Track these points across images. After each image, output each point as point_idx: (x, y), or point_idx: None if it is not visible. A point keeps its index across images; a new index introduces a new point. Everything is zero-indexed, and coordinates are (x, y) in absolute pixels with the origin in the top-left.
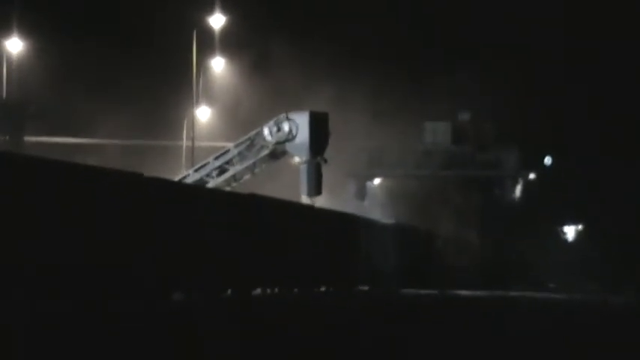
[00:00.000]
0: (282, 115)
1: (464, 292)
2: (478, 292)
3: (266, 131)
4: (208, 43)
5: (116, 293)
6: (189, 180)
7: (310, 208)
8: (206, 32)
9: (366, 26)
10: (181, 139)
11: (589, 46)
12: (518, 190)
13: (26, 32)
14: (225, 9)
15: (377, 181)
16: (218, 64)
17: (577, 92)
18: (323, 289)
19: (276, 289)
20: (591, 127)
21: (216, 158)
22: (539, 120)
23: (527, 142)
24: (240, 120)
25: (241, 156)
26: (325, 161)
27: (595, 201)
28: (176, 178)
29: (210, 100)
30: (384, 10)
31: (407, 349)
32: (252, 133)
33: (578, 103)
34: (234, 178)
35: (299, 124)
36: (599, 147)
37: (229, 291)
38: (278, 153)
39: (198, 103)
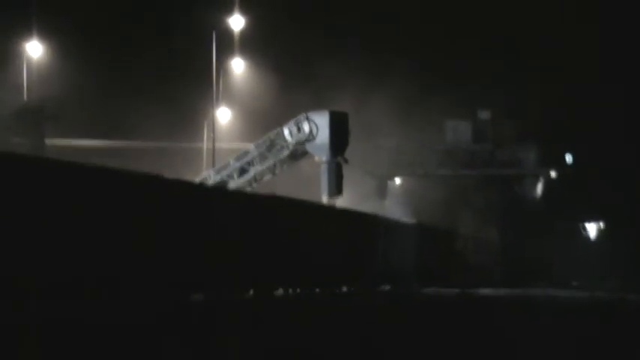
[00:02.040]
0: (302, 116)
1: (485, 291)
2: (499, 291)
3: (286, 132)
4: (228, 44)
5: (136, 294)
6: (210, 181)
7: (331, 209)
8: (226, 33)
9: (387, 25)
10: (202, 140)
11: (612, 43)
12: (539, 188)
13: (46, 35)
14: (245, 10)
15: (398, 180)
16: (238, 65)
17: (599, 90)
18: (344, 289)
19: (298, 290)
20: (613, 124)
21: (237, 159)
22: (559, 118)
23: (548, 140)
24: (261, 121)
25: (262, 156)
26: (346, 161)
27: (617, 198)
28: (197, 180)
29: (231, 102)
30: (406, 8)
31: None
32: (273, 133)
33: (599, 100)
34: (254, 178)
35: (319, 125)
36: (621, 144)
37: (251, 292)
38: (298, 153)
39: (218, 104)
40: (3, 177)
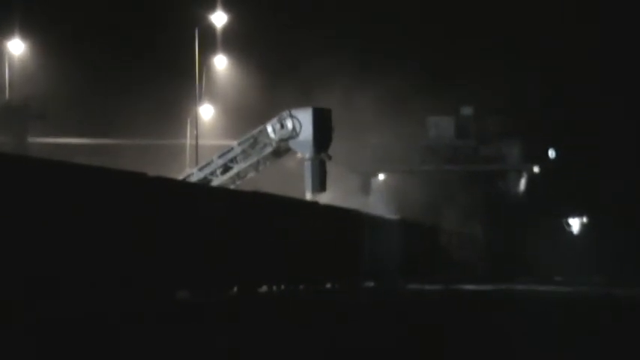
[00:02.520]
0: (285, 113)
1: (469, 287)
2: (483, 287)
3: (269, 129)
4: (210, 41)
5: (121, 292)
6: (193, 178)
7: (314, 205)
8: (208, 30)
9: (373, 23)
10: (185, 137)
11: (591, 36)
12: (522, 183)
13: (28, 33)
14: (227, 6)
15: (381, 176)
16: (221, 62)
17: (581, 84)
18: (328, 285)
19: (282, 287)
20: (596, 120)
21: (220, 156)
22: (542, 113)
23: (531, 136)
24: (244, 118)
25: (245, 154)
26: (329, 158)
27: (599, 193)
28: (180, 177)
29: (214, 99)
30: (389, 6)
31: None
32: (256, 130)
33: (581, 95)
34: (238, 175)
35: (302, 121)
36: (603, 139)
37: (235, 288)
38: (282, 150)
39: (201, 101)
40: None
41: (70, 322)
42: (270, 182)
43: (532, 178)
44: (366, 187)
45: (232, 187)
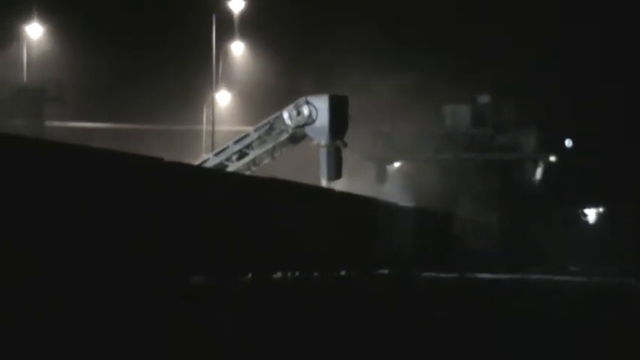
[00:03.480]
0: (302, 99)
1: (484, 276)
2: (498, 276)
3: (286, 115)
4: (228, 27)
5: (135, 277)
6: (209, 164)
7: (330, 192)
8: (226, 16)
9: (387, 10)
10: (201, 123)
11: (611, 26)
12: (538, 172)
13: (46, 17)
14: None
15: (397, 164)
16: (238, 49)
17: (598, 74)
18: (343, 272)
19: (297, 273)
20: (612, 109)
21: (236, 142)
22: (559, 102)
23: (548, 125)
24: (260, 104)
25: (261, 140)
26: (345, 145)
27: (616, 183)
28: (196, 163)
29: (230, 85)
30: None
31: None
32: (272, 117)
33: (599, 84)
34: (253, 162)
35: (319, 108)
36: (620, 128)
37: (249, 275)
38: (297, 137)
39: (218, 87)
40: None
41: (84, 306)
42: (286, 169)
43: (548, 168)
44: (381, 175)
45: (248, 173)
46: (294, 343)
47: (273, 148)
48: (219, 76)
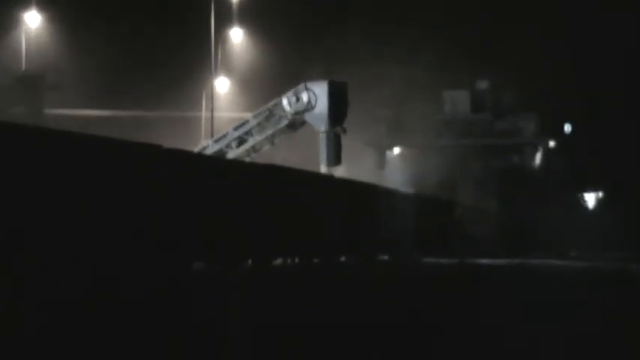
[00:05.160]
0: (301, 86)
1: (484, 261)
2: (498, 261)
3: (285, 102)
4: (227, 13)
5: (138, 265)
6: (208, 151)
7: (329, 178)
8: (224, 2)
9: None
10: (200, 110)
11: (610, 10)
12: (538, 157)
13: (44, 4)
14: None
15: (397, 150)
16: (236, 35)
17: (598, 58)
18: (343, 258)
19: (297, 259)
20: (612, 93)
21: (236, 129)
22: (558, 87)
23: (547, 110)
24: (259, 91)
25: (260, 126)
26: (344, 131)
27: (615, 169)
28: (196, 149)
29: (229, 71)
30: None
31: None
32: (271, 103)
33: (598, 68)
34: (253, 148)
35: (318, 94)
36: (619, 113)
37: (250, 261)
38: (297, 123)
39: (216, 74)
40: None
41: (85, 294)
42: (286, 155)
43: (548, 153)
44: (381, 161)
45: (247, 159)
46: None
47: (273, 135)
48: (219, 62)
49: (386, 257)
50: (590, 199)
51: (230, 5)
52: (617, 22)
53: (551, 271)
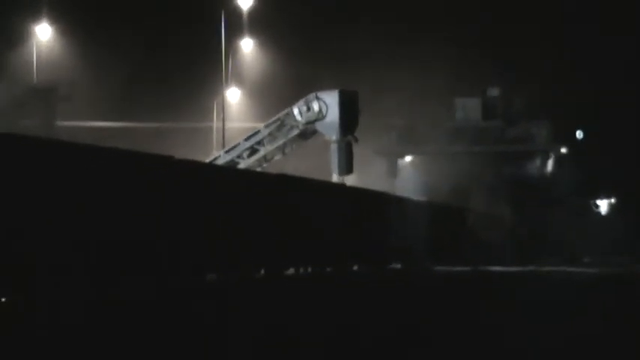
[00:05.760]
0: (312, 95)
1: (497, 269)
2: (511, 268)
3: (296, 111)
4: (237, 24)
5: (151, 274)
6: (220, 161)
7: (341, 187)
8: (235, 13)
9: (397, 7)
10: (212, 120)
11: (622, 16)
12: (550, 164)
13: (55, 17)
14: None
15: (408, 158)
16: (247, 45)
17: (609, 64)
18: (355, 267)
19: (309, 269)
20: (624, 100)
21: (247, 139)
22: (570, 93)
23: (559, 116)
24: (270, 100)
25: (271, 136)
26: (356, 140)
27: (628, 174)
28: (207, 160)
29: (240, 81)
30: None
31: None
32: (282, 113)
33: (610, 74)
34: (264, 158)
35: (329, 104)
36: (632, 119)
37: (262, 271)
38: (308, 133)
39: (228, 84)
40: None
41: (98, 306)
42: (297, 165)
43: (560, 159)
44: (392, 170)
45: (259, 169)
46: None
47: (284, 145)
48: (230, 73)
49: (398, 266)
50: (603, 205)
51: (240, 16)
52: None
53: (565, 278)
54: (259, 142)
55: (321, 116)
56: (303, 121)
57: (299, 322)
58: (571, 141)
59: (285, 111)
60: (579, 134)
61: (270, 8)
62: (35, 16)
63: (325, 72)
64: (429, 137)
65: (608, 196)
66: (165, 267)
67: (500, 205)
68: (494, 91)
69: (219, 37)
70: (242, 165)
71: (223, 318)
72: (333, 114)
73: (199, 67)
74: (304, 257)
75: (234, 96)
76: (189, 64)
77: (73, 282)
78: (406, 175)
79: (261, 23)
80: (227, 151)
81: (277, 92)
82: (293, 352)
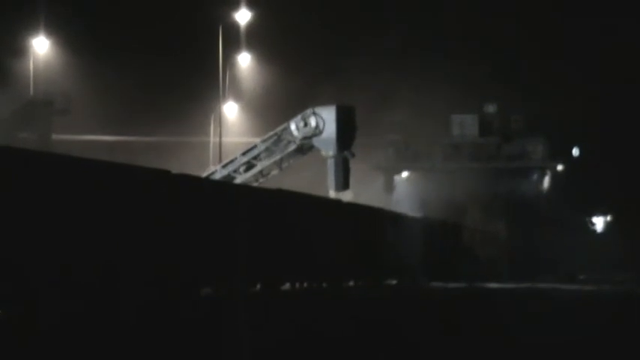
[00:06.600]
0: (309, 110)
1: (492, 285)
2: (506, 285)
3: (293, 126)
4: (234, 38)
5: (145, 289)
6: (216, 176)
7: (338, 203)
8: (232, 28)
9: (394, 23)
10: (209, 135)
11: (619, 34)
12: (546, 181)
13: (52, 30)
14: (251, 4)
15: (405, 174)
16: (244, 60)
17: (607, 82)
18: (351, 283)
19: (305, 284)
20: (620, 117)
21: (244, 154)
22: (567, 111)
23: (555, 133)
24: (267, 115)
25: (268, 151)
26: (353, 155)
27: (623, 192)
28: (204, 175)
29: (237, 96)
30: (410, 4)
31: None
32: (279, 128)
33: (607, 92)
34: (261, 173)
35: (326, 119)
36: (627, 137)
37: (258, 286)
38: (305, 148)
39: (225, 99)
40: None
41: (93, 319)
42: (293, 180)
43: (556, 176)
44: (389, 185)
45: (255, 184)
46: None
47: (281, 160)
48: (227, 87)
49: (394, 282)
50: (598, 222)
51: (238, 30)
52: (623, 42)
53: (560, 295)
54: (256, 157)
55: (318, 131)
56: (300, 136)
57: (292, 337)
58: (567, 158)
59: (282, 126)
60: (575, 151)
61: (267, 23)
62: (32, 29)
63: (322, 87)
64: (425, 153)
65: (604, 214)
66: (160, 280)
67: (496, 221)
68: (491, 108)
69: (216, 51)
70: (238, 180)
71: (217, 332)
72: (330, 129)
73: (197, 82)
74: (300, 272)
75: (231, 110)
76: (187, 78)
77: (67, 295)
78: (402, 190)
79: (258, 38)
80: (224, 166)
81: (274, 107)
82: None
